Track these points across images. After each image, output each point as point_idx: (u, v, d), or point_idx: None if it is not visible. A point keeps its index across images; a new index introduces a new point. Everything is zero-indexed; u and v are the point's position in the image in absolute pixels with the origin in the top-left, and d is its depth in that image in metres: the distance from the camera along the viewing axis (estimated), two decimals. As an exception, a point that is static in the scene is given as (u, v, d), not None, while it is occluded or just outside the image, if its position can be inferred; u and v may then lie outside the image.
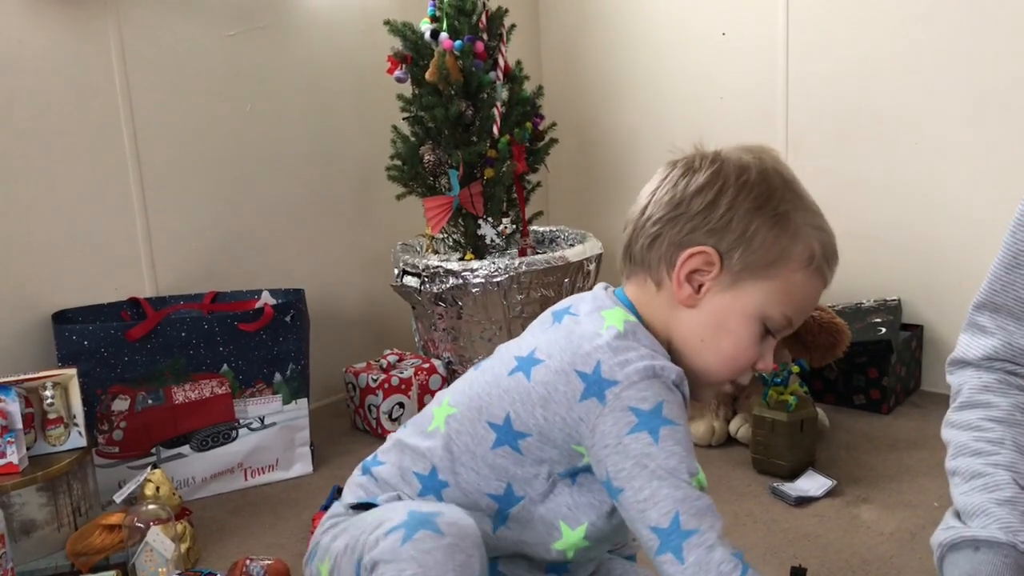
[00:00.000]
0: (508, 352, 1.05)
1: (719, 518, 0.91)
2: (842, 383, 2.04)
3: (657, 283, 1.01)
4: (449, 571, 0.88)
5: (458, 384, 1.08)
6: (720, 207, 0.98)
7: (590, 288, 2.19)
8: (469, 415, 1.02)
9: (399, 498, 1.04)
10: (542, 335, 1.02)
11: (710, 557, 0.88)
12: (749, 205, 0.98)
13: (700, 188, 0.99)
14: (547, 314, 1.06)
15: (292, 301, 1.87)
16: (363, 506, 1.05)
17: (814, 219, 1.01)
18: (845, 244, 2.43)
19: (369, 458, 1.11)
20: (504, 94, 2.04)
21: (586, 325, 0.99)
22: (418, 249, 2.21)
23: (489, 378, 1.03)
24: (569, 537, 1.01)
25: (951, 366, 1.28)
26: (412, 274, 2.06)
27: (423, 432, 1.06)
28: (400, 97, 2.08)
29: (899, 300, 2.10)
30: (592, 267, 2.14)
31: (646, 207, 1.02)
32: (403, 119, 2.10)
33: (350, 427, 2.13)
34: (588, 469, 0.98)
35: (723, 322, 1.00)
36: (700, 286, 0.99)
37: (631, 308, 1.02)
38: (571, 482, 1.00)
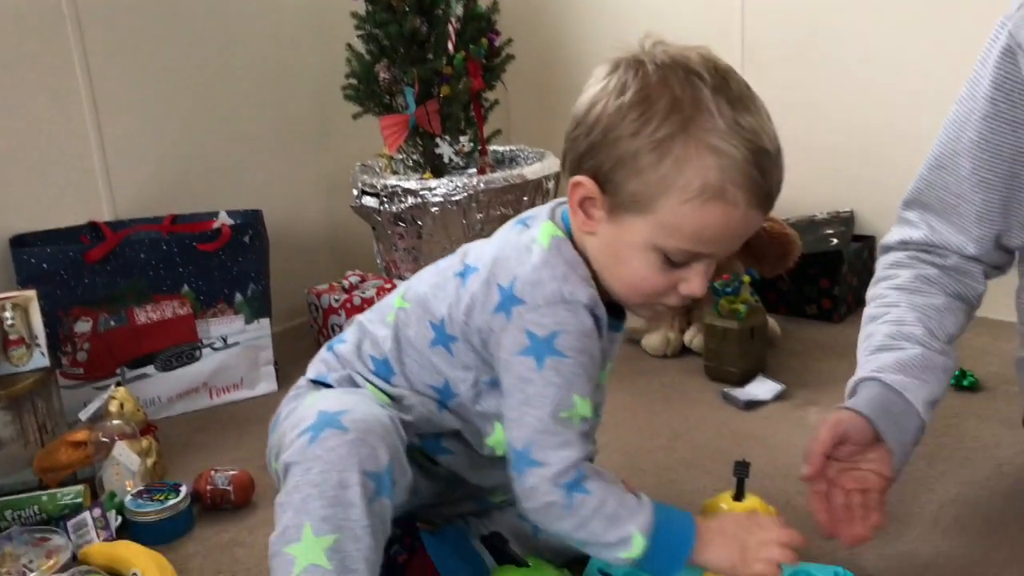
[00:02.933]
0: (462, 254, 1.08)
1: (580, 452, 0.96)
2: (794, 294, 2.09)
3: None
4: (353, 464, 0.93)
5: (414, 280, 1.12)
6: (601, 129, 0.92)
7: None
8: (416, 311, 1.07)
9: (351, 378, 1.10)
10: (493, 240, 1.06)
11: (546, 488, 0.95)
12: (624, 129, 0.91)
13: (589, 105, 0.94)
14: (511, 220, 1.08)
15: (250, 221, 1.89)
16: (321, 383, 1.13)
17: (718, 139, 0.89)
18: (799, 157, 2.45)
19: (336, 337, 1.18)
20: (459, 9, 2.02)
21: (522, 237, 1.01)
22: (377, 169, 2.22)
23: (439, 279, 1.07)
24: (500, 435, 1.06)
25: (878, 253, 1.36)
26: (371, 194, 2.07)
27: (382, 320, 1.11)
28: (354, 15, 2.06)
29: (852, 212, 2.15)
30: (551, 185, 2.16)
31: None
32: (357, 37, 2.09)
33: (314, 348, 2.12)
34: None
35: (616, 252, 0.97)
36: (592, 214, 0.96)
37: (566, 224, 1.02)
38: (498, 391, 1.03)
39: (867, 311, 1.26)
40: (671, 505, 1.04)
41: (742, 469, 1.22)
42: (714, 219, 0.91)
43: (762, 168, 0.90)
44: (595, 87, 0.95)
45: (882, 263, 1.29)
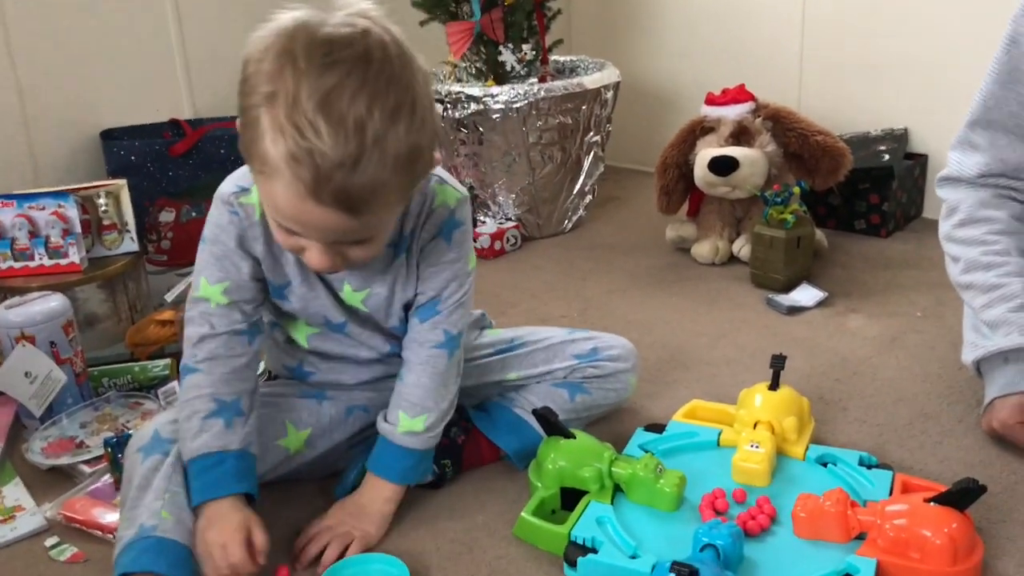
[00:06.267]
0: None
1: (201, 328, 1.14)
2: (844, 209, 2.13)
3: None
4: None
5: None
6: (240, 80, 0.94)
7: (608, 116, 2.26)
8: None
9: None
10: None
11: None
12: (242, 87, 0.92)
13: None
14: None
15: (322, 123, 1.98)
16: None
17: (280, 124, 0.87)
18: (856, 75, 2.48)
19: None
20: (525, -80, 2.07)
21: None
22: (441, 77, 2.29)
23: None
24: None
25: (943, 182, 1.39)
26: (436, 100, 2.14)
27: None
28: (425, -77, 2.11)
29: (906, 130, 2.17)
30: (609, 95, 2.21)
31: None
32: (428, -55, 2.14)
33: (378, 246, 2.26)
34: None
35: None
36: None
37: None
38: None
39: (974, 255, 1.30)
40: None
41: (778, 362, 1.31)
42: (281, 197, 0.91)
43: (315, 166, 0.87)
44: (259, 36, 0.96)
45: (968, 203, 1.33)
